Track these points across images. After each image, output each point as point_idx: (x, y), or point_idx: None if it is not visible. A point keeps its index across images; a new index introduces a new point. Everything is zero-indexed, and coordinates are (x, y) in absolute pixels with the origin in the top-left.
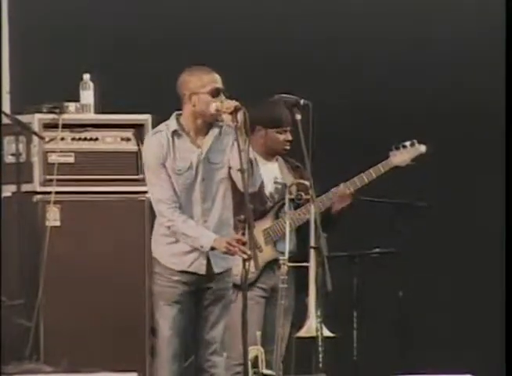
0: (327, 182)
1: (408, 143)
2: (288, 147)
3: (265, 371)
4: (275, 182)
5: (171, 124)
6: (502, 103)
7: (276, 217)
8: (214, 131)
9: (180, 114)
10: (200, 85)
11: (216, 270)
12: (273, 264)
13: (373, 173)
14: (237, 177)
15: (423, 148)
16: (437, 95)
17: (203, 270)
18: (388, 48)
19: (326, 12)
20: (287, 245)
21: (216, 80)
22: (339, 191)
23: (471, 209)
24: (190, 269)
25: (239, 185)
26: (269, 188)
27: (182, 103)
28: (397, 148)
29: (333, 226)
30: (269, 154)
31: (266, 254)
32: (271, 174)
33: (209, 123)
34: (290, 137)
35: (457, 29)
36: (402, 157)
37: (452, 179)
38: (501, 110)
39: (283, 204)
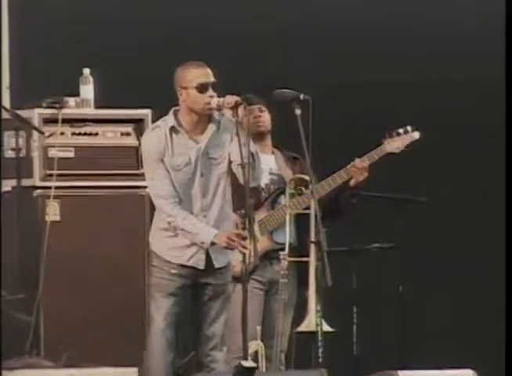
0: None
1: (401, 130)
2: (260, 124)
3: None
4: (271, 174)
5: (169, 119)
6: (503, 97)
7: (272, 207)
8: (213, 126)
9: (178, 110)
10: (188, 80)
11: (216, 265)
12: (270, 255)
13: (366, 160)
14: (238, 171)
15: (416, 134)
16: (437, 89)
17: (202, 265)
18: (388, 38)
19: None
20: (287, 239)
21: (204, 74)
22: (356, 164)
23: (471, 204)
24: (189, 264)
25: (241, 179)
26: (265, 179)
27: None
28: (390, 135)
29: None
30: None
31: (262, 244)
32: (266, 165)
33: (206, 118)
34: (263, 117)
35: (457, 14)
36: (395, 143)
37: (452, 174)
38: (501, 105)
39: (278, 194)
